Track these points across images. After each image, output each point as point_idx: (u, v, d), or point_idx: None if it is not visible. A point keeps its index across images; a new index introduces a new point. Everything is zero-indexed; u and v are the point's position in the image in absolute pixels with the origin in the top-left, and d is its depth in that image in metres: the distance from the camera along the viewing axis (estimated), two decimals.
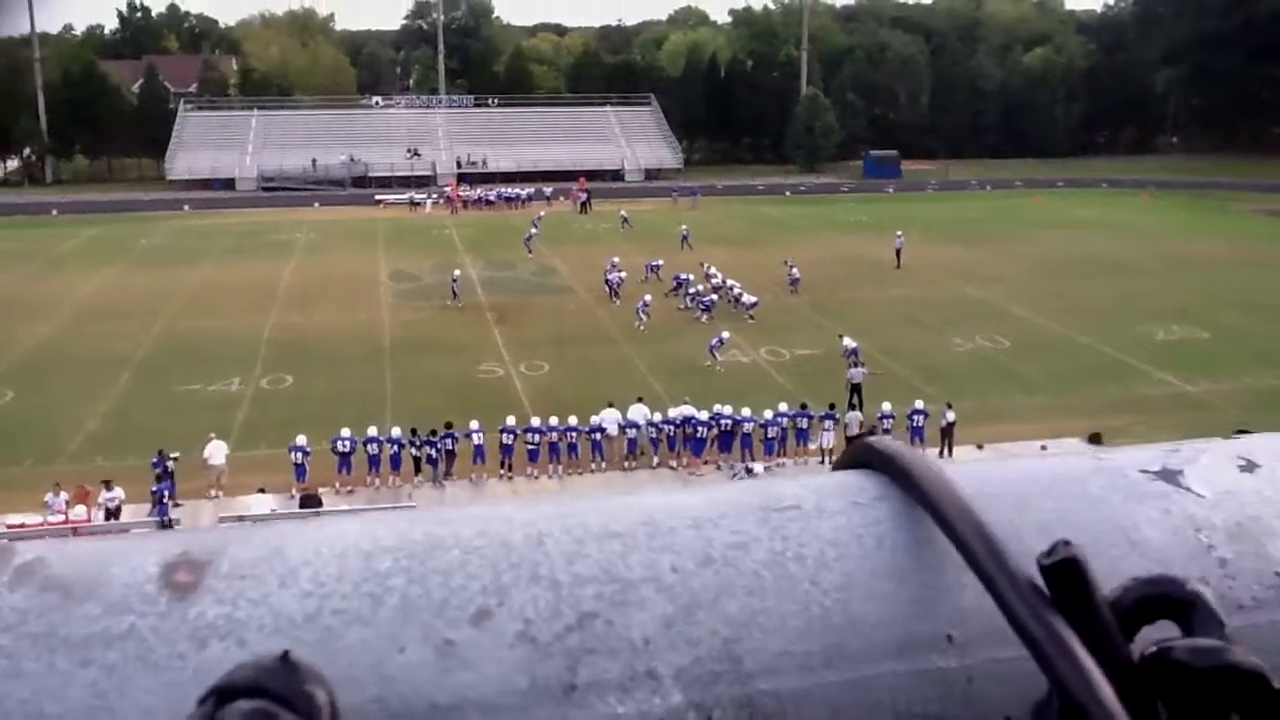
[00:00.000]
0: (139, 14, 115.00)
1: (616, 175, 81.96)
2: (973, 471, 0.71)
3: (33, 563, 0.57)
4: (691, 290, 37.84)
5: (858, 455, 0.70)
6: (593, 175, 74.34)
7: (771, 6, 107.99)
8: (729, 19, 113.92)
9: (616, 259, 40.87)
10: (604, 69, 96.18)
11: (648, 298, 35.64)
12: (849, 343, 29.26)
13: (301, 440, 22.49)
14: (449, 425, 23.40)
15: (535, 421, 23.92)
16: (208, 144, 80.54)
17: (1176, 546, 0.67)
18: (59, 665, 0.52)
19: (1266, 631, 0.65)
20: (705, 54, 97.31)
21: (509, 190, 70.82)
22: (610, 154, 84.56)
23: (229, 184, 76.89)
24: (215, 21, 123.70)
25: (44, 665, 0.52)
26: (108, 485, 20.89)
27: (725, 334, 31.42)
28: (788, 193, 76.78)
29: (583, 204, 65.56)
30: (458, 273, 40.59)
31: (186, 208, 68.46)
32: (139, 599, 0.55)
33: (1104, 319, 36.10)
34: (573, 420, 24.02)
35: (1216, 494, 0.72)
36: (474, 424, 23.45)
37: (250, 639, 0.54)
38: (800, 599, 0.60)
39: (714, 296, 36.97)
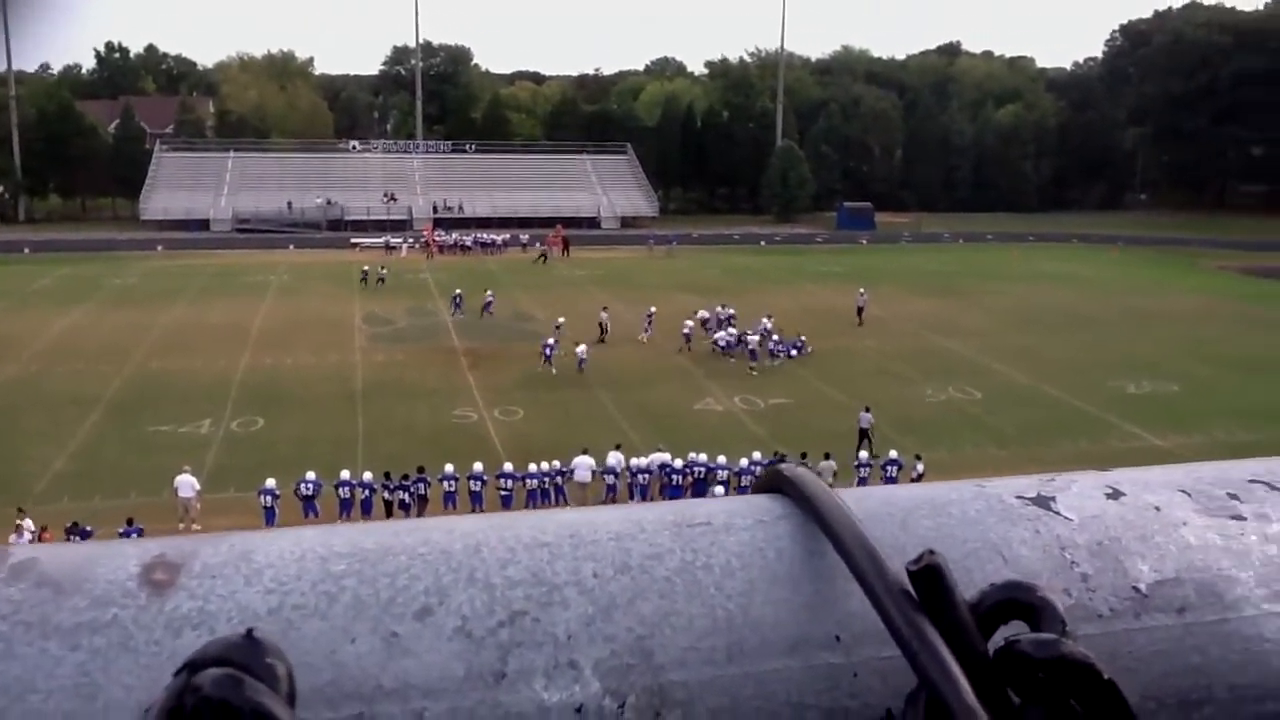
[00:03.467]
0: (117, 54, 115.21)
1: (593, 223, 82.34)
2: (868, 495, 0.80)
3: (26, 562, 0.64)
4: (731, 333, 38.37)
5: (770, 480, 0.78)
6: (569, 223, 74.63)
7: (747, 59, 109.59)
8: (705, 70, 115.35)
9: (726, 308, 40.98)
10: (581, 117, 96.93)
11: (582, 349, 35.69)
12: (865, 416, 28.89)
13: (271, 483, 22.26)
14: (421, 470, 23.26)
15: (508, 467, 23.83)
16: (183, 185, 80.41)
17: (1044, 562, 0.75)
18: (50, 649, 0.59)
19: (1122, 638, 0.71)
20: (681, 104, 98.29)
21: (485, 235, 71.03)
22: (586, 202, 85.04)
23: (204, 225, 76.69)
24: (193, 63, 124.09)
25: (36, 649, 0.59)
26: (20, 512, 20.76)
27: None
28: (762, 242, 77.37)
29: (541, 255, 65.24)
30: (490, 293, 45.31)
31: (160, 248, 68.19)
32: (121, 594, 0.62)
33: (1075, 372, 36.42)
34: (546, 466, 23.94)
35: (1083, 518, 0.80)
36: (448, 468, 23.33)
37: (219, 629, 0.60)
38: (707, 602, 0.67)
39: (753, 339, 37.47)
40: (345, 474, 22.98)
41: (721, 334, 38.51)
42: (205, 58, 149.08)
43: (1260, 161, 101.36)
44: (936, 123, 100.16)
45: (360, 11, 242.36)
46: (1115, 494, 0.83)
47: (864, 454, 26.08)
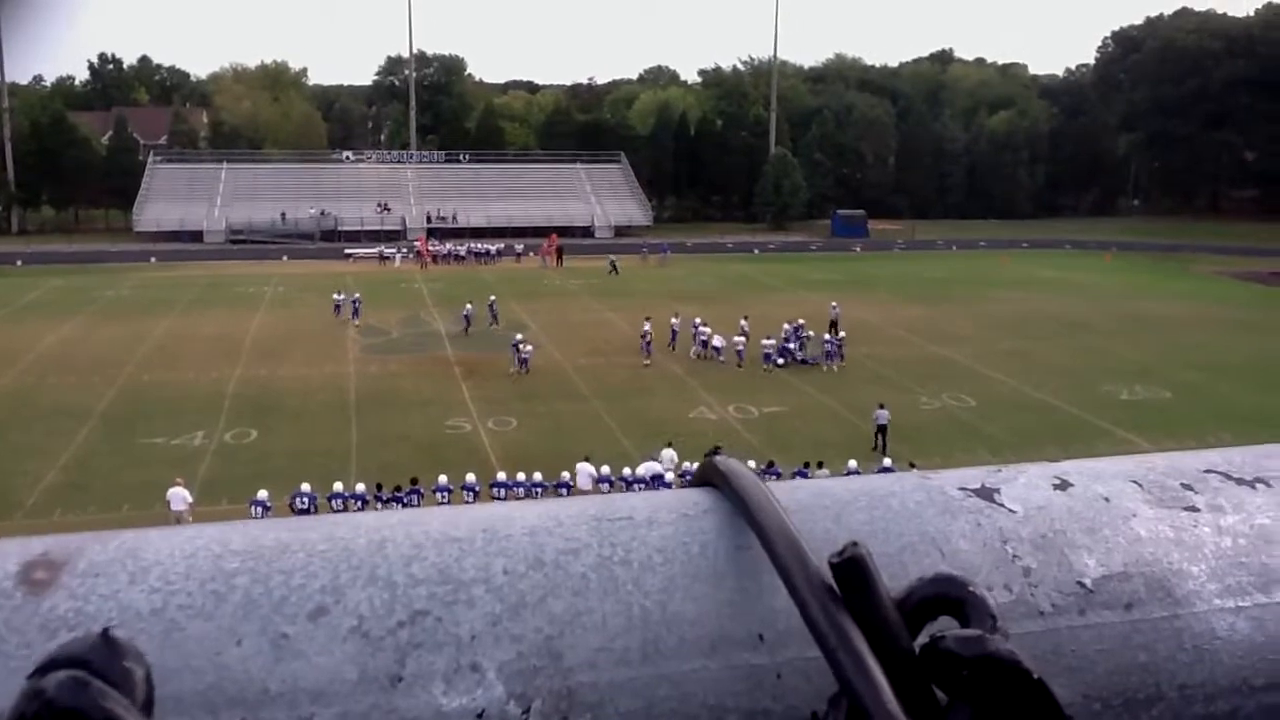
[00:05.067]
0: (110, 66, 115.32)
1: (587, 232, 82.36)
2: (801, 486, 0.76)
3: None
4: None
5: (702, 473, 0.75)
6: (563, 232, 74.66)
7: (740, 67, 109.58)
8: (698, 79, 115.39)
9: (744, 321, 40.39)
10: (575, 126, 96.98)
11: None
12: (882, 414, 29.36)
13: (263, 495, 22.20)
14: (414, 481, 23.20)
15: (501, 476, 23.78)
16: (176, 196, 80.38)
17: (984, 556, 0.73)
18: None
19: (1065, 635, 0.69)
20: (675, 113, 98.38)
21: (479, 245, 71.02)
22: (580, 211, 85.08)
23: (197, 236, 76.66)
24: (187, 74, 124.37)
25: None
26: None
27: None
28: (756, 250, 77.42)
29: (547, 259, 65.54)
30: (469, 307, 43.72)
31: (153, 259, 68.15)
32: None
33: (1069, 378, 36.44)
34: (538, 476, 23.90)
35: (1028, 510, 0.77)
36: (442, 479, 23.27)
37: (98, 630, 0.56)
38: (623, 600, 0.65)
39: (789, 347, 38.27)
40: (339, 486, 22.92)
41: (771, 343, 38.40)
42: (199, 69, 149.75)
43: (1252, 166, 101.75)
44: (929, 130, 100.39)
45: (354, 22, 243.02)
46: (1063, 485, 0.81)
47: (825, 471, 25.84)
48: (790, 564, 0.61)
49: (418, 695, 0.59)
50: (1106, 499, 0.80)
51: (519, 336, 37.62)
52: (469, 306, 43.88)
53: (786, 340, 38.64)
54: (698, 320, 40.30)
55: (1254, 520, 0.80)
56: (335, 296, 47.10)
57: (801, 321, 40.19)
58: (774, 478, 24.72)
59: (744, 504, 0.67)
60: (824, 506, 0.74)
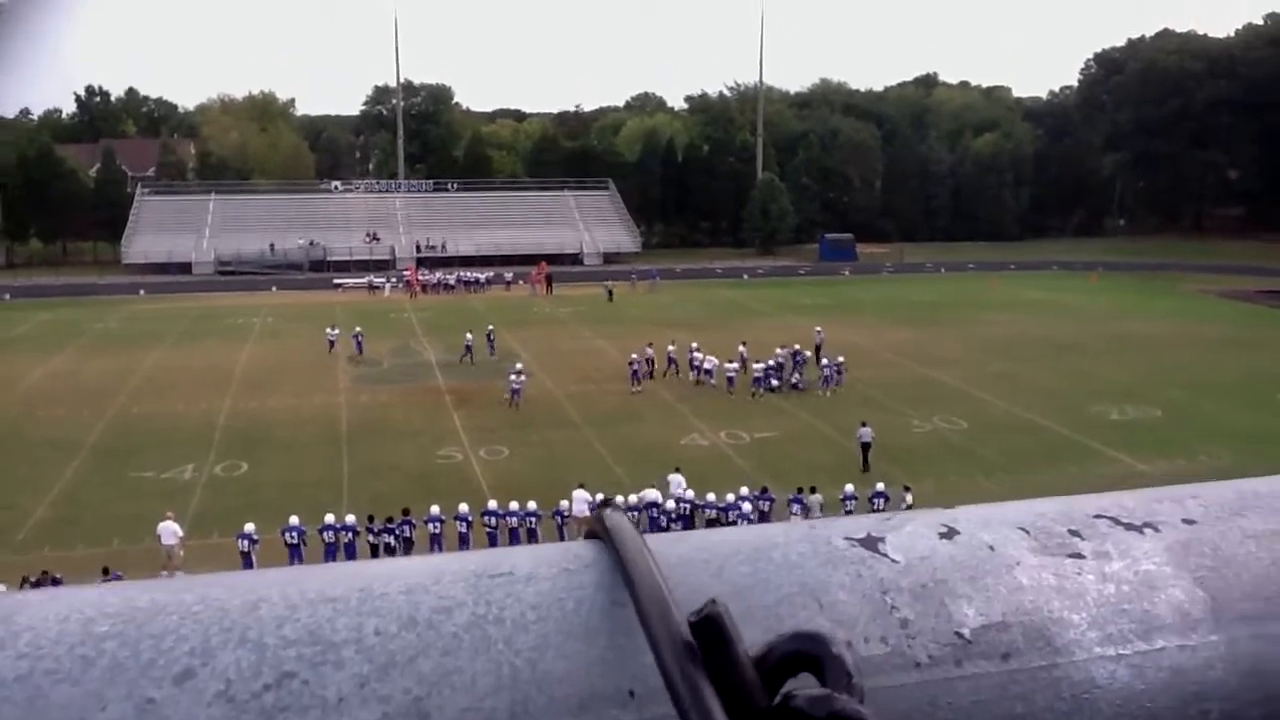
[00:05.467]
0: (97, 98, 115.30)
1: (575, 259, 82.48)
2: (684, 539, 0.76)
3: None
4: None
5: (591, 525, 0.75)
6: (552, 259, 74.76)
7: (727, 93, 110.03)
8: (685, 105, 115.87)
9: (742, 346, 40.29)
10: (562, 154, 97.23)
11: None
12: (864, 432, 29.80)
13: (249, 529, 22.08)
14: (406, 512, 23.11)
15: (493, 504, 23.70)
16: (165, 228, 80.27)
17: (862, 607, 0.71)
18: None
19: (941, 687, 0.68)
20: (662, 139, 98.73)
21: (468, 274, 71.07)
22: (569, 238, 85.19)
23: (185, 268, 76.52)
24: (174, 106, 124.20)
25: None
26: None
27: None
28: (745, 276, 77.60)
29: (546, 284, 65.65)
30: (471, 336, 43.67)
31: (142, 291, 68.03)
32: None
33: (1058, 399, 36.54)
34: (532, 505, 23.82)
35: (910, 559, 0.76)
36: (434, 509, 23.19)
37: None
38: (493, 659, 0.64)
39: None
40: (330, 518, 22.81)
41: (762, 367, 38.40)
42: (186, 100, 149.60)
43: (1235, 185, 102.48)
44: (915, 153, 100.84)
45: (341, 52, 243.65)
46: (949, 533, 0.81)
47: (817, 497, 25.52)
48: (654, 621, 0.60)
49: None
50: (991, 547, 0.79)
51: (518, 366, 37.61)
52: (469, 336, 43.85)
53: (778, 365, 38.61)
54: (694, 345, 40.39)
55: (1139, 566, 0.80)
56: (329, 332, 45.91)
57: (798, 346, 40.33)
58: (769, 504, 24.62)
59: (620, 558, 0.67)
60: (705, 560, 0.73)
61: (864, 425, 29.85)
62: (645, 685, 0.64)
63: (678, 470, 25.91)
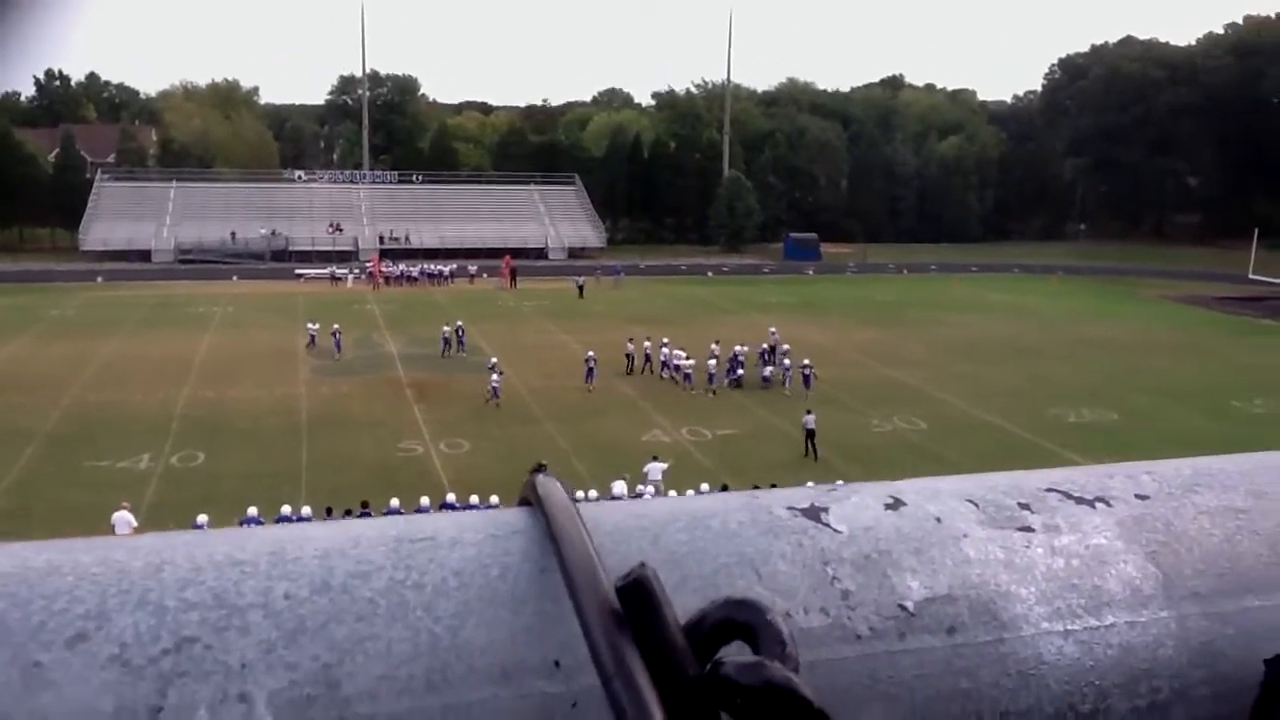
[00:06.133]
0: (57, 82, 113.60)
1: (540, 253, 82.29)
2: (620, 508, 0.74)
3: None
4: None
5: (523, 492, 0.73)
6: (517, 253, 74.55)
7: (694, 91, 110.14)
8: (652, 101, 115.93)
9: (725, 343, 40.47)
10: (529, 148, 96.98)
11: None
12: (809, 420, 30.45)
13: (202, 520, 21.79)
14: (365, 504, 22.94)
15: (452, 498, 23.58)
16: (124, 215, 79.26)
17: (802, 578, 0.70)
18: None
19: (883, 661, 0.67)
20: (629, 135, 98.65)
21: (432, 266, 70.72)
22: (534, 232, 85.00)
23: (145, 256, 75.65)
24: (136, 91, 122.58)
25: None
26: None
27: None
28: (710, 273, 77.72)
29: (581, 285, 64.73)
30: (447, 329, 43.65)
31: (100, 279, 67.14)
32: None
33: (1017, 401, 36.86)
34: (495, 499, 23.71)
35: (853, 530, 0.75)
36: (394, 502, 23.05)
37: None
38: (411, 625, 0.62)
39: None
40: (286, 509, 22.58)
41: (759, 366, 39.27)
42: (148, 86, 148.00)
43: (1195, 192, 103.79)
44: (880, 154, 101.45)
45: (306, 41, 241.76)
46: (895, 504, 0.79)
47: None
48: (580, 586, 0.59)
49: None
50: (938, 519, 0.77)
51: (493, 360, 37.37)
52: (446, 329, 43.91)
53: (739, 360, 38.80)
54: (664, 341, 40.47)
55: (1089, 541, 0.78)
56: (309, 326, 44.81)
57: (773, 342, 41.06)
58: None
59: (549, 525, 0.65)
60: (642, 528, 0.71)
61: (809, 413, 30.42)
62: (572, 655, 0.62)
63: (655, 459, 26.12)
